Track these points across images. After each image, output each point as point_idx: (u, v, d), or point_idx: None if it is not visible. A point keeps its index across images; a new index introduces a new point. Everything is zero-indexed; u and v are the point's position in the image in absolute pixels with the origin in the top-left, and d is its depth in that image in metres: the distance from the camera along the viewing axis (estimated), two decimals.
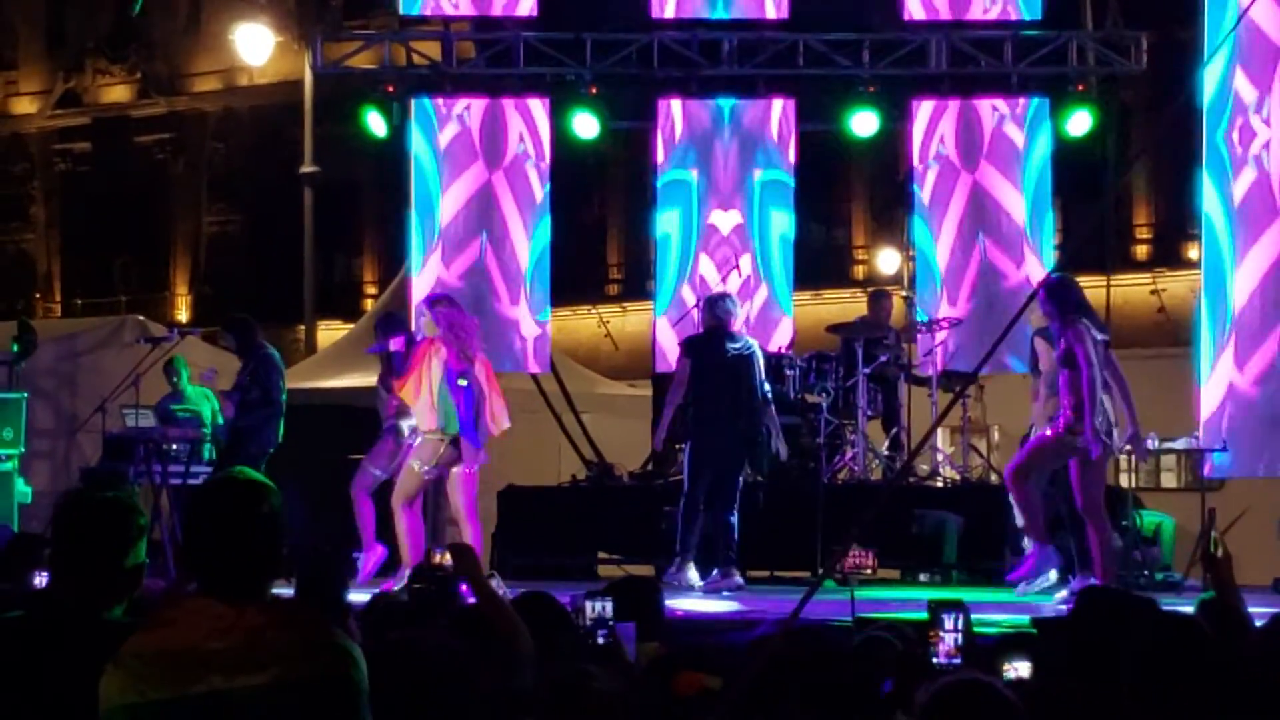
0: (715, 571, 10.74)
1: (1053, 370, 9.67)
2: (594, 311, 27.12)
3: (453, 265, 13.84)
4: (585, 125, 13.91)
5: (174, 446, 12.43)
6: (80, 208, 31.90)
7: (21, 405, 13.58)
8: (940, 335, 13.34)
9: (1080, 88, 13.57)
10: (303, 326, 21.52)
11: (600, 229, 27.89)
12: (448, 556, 6.51)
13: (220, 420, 12.65)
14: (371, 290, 28.20)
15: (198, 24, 30.73)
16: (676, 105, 14.11)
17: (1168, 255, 23.95)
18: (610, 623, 5.39)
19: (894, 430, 13.42)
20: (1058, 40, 13.66)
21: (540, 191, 13.92)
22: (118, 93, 31.83)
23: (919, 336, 13.51)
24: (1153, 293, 23.75)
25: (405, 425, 10.61)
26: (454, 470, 10.40)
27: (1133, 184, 23.82)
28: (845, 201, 26.77)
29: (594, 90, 13.76)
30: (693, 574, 10.70)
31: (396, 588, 9.33)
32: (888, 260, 25.12)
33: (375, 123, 13.76)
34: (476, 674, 4.10)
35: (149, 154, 31.56)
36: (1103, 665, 4.52)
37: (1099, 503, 9.63)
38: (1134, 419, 9.78)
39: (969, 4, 13.71)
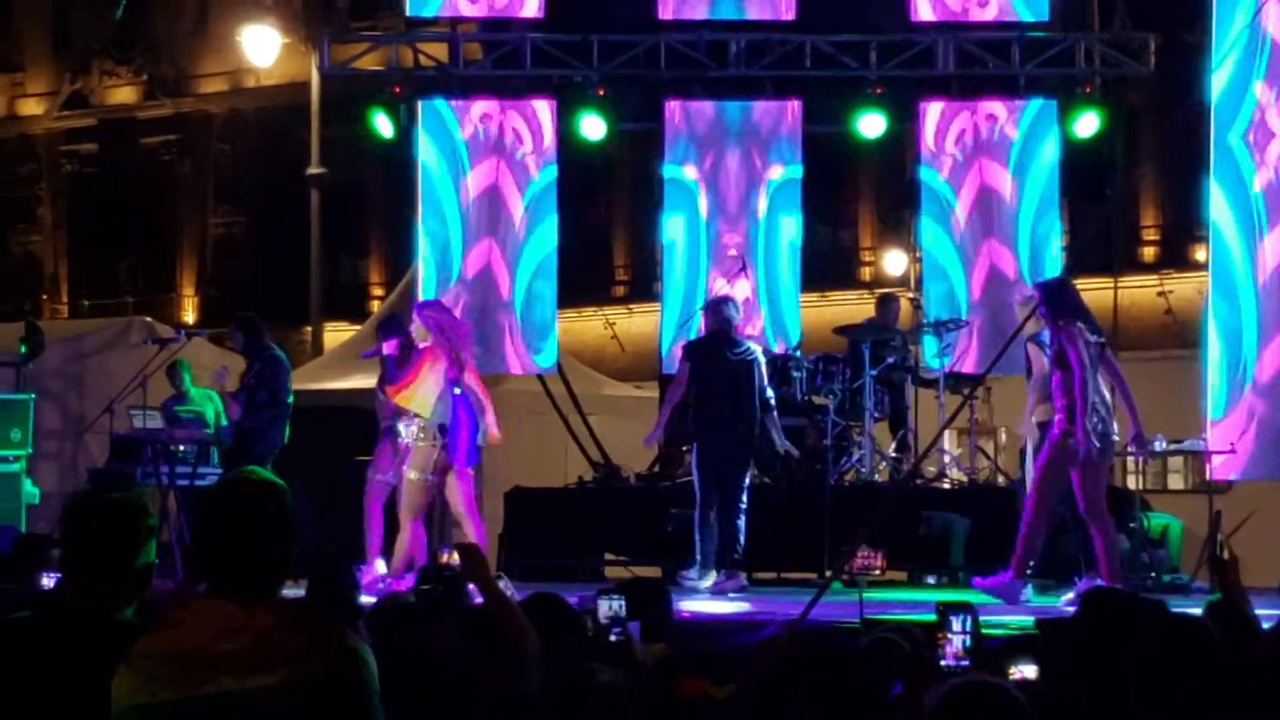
0: (721, 573, 10.75)
1: (1044, 375, 9.69)
2: (600, 313, 27.10)
3: (463, 267, 13.84)
4: (592, 127, 13.91)
5: (181, 448, 12.44)
6: (87, 209, 31.92)
7: (29, 406, 13.59)
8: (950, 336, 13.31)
9: (1087, 90, 13.56)
10: (309, 328, 21.52)
11: (606, 231, 27.87)
12: (455, 556, 6.52)
13: (224, 422, 12.65)
14: (378, 292, 28.18)
15: (204, 25, 30.73)
16: (683, 106, 14.11)
17: (1175, 257, 23.91)
18: (624, 620, 5.40)
19: (901, 432, 13.41)
20: (1065, 42, 13.65)
21: (542, 186, 13.86)
22: (124, 94, 31.83)
23: (924, 337, 13.49)
24: (1160, 294, 23.71)
25: (402, 427, 10.63)
26: (451, 473, 10.43)
27: (1140, 186, 23.79)
28: (852, 203, 26.73)
29: (601, 92, 13.76)
30: (710, 581, 10.73)
31: (405, 589, 9.33)
32: (895, 262, 25.10)
33: (382, 124, 13.77)
34: (483, 675, 4.10)
35: (155, 155, 31.56)
36: (1109, 667, 4.51)
37: (1100, 504, 9.65)
38: (1136, 419, 9.79)
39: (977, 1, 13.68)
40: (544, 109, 13.90)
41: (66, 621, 3.65)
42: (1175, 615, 4.93)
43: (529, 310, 13.89)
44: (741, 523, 10.78)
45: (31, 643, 3.61)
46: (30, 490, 13.50)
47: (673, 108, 14.11)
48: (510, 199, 13.89)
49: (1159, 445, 11.72)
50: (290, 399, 11.95)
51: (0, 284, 30.69)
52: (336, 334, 22.38)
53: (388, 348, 10.88)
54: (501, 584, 5.73)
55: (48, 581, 6.53)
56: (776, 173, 14.06)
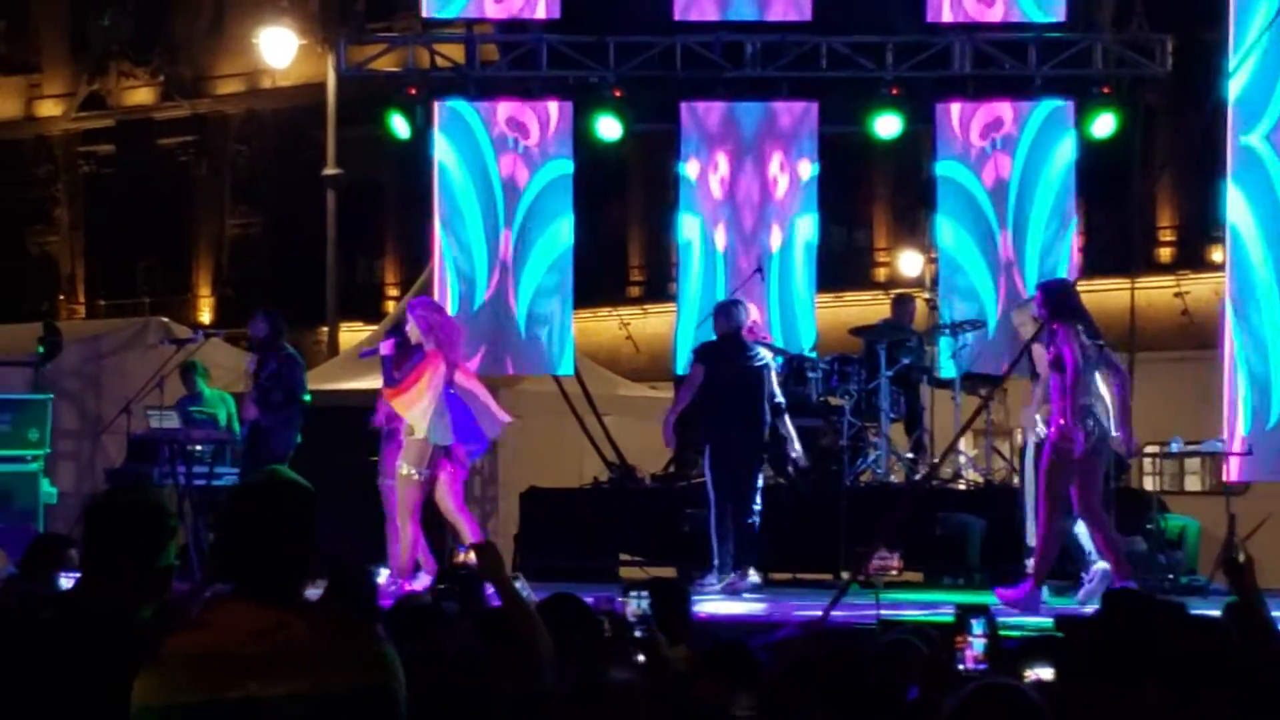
0: (734, 573, 10.76)
1: (1046, 375, 9.69)
2: (615, 314, 27.10)
3: (482, 267, 13.84)
4: (608, 128, 13.91)
5: (198, 448, 12.45)
6: (104, 210, 31.98)
7: (47, 407, 13.63)
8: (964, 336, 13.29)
9: (1104, 90, 13.52)
10: (325, 328, 21.55)
11: (622, 231, 27.86)
12: (472, 555, 6.52)
13: (236, 425, 12.66)
14: (394, 292, 28.20)
15: (221, 27, 30.78)
16: (699, 107, 14.10)
17: (1192, 258, 23.85)
18: (650, 619, 5.41)
19: (916, 433, 13.40)
20: (1082, 42, 13.62)
21: (552, 177, 13.86)
22: (141, 95, 31.89)
23: (940, 338, 13.47)
24: (1177, 295, 23.65)
25: (401, 428, 10.63)
26: (442, 475, 10.41)
27: (1156, 186, 23.73)
28: (867, 204, 26.70)
29: (617, 93, 13.76)
30: (721, 584, 10.74)
31: (421, 589, 9.35)
32: (910, 262, 25.07)
33: (399, 125, 13.78)
34: (498, 676, 4.10)
35: (172, 156, 31.62)
36: (1129, 669, 4.50)
37: (1093, 504, 9.65)
38: (1125, 423, 9.72)
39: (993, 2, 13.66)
40: (560, 110, 13.90)
41: (86, 622, 3.63)
42: (1195, 617, 4.93)
43: (546, 311, 13.88)
44: (754, 521, 10.80)
45: (52, 643, 3.60)
46: (48, 490, 13.54)
47: (688, 109, 14.10)
48: (523, 188, 13.89)
49: (1176, 446, 11.69)
50: (308, 397, 11.94)
51: (18, 285, 30.74)
52: (352, 334, 22.40)
53: (385, 348, 10.87)
54: (519, 584, 5.74)
55: (66, 582, 6.54)
56: (792, 173, 14.05)
